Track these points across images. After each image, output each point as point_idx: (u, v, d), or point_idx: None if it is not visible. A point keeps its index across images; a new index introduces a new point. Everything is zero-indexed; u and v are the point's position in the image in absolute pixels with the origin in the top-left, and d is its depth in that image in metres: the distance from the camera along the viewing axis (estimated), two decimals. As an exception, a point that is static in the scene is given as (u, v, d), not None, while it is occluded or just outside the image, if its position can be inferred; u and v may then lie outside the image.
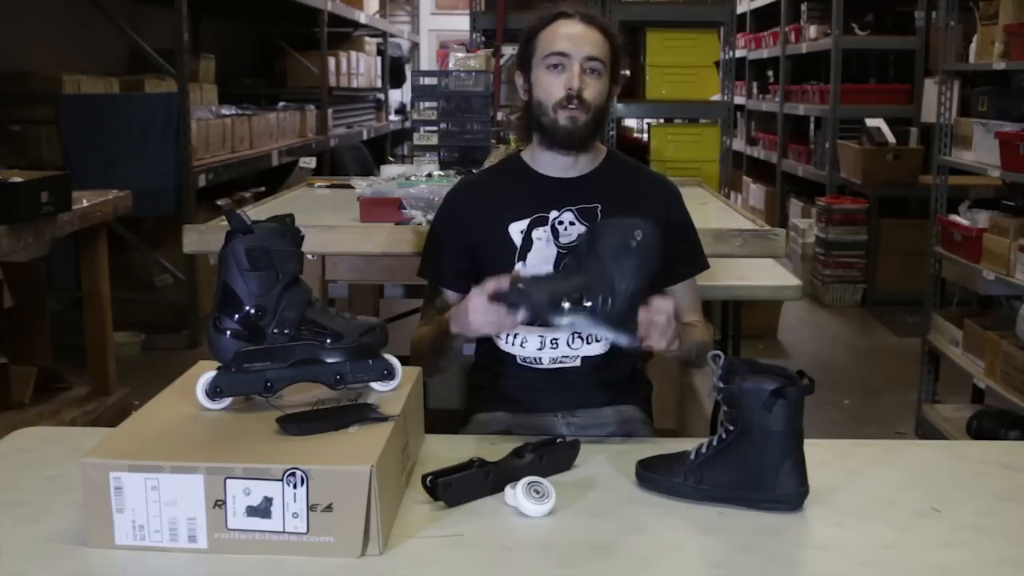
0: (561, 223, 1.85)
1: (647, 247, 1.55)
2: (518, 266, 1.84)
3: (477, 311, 1.61)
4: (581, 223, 1.85)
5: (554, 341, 1.86)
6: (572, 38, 1.80)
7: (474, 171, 2.65)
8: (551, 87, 1.81)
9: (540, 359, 1.87)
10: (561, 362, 1.87)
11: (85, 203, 3.30)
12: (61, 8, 5.14)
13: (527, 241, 1.86)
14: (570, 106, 1.79)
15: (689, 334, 1.79)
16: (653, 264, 1.57)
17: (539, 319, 1.56)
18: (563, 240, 1.85)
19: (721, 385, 1.38)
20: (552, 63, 1.80)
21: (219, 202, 5.33)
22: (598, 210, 1.86)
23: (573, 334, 1.86)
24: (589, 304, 1.52)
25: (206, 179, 4.99)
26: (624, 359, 1.94)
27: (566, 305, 1.52)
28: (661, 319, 1.57)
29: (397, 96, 9.88)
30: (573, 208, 1.86)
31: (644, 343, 1.58)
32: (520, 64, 1.88)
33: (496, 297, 1.56)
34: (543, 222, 1.86)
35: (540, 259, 1.85)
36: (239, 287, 1.42)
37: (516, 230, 1.86)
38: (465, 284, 1.92)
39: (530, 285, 1.56)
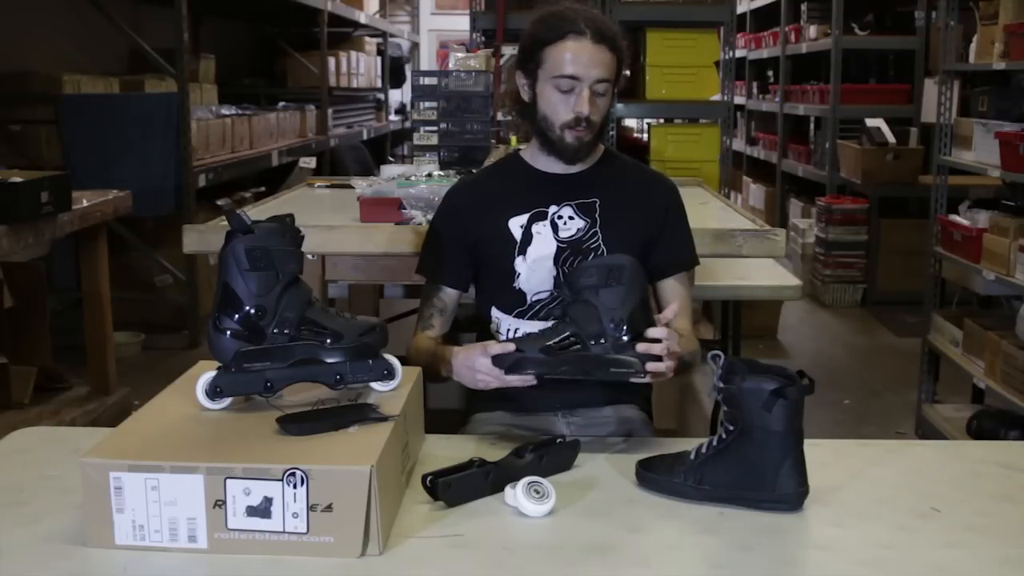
0: (560, 217, 1.87)
1: (629, 276, 1.56)
2: (516, 324, 1.82)
3: (482, 372, 1.63)
4: (580, 217, 1.87)
5: None
6: (583, 62, 1.77)
7: (474, 171, 2.65)
8: (559, 107, 1.80)
9: None
10: None
11: (85, 203, 3.30)
12: (61, 8, 5.14)
13: (527, 235, 1.87)
14: (577, 128, 1.80)
15: (682, 343, 1.74)
16: (638, 291, 1.57)
17: (543, 374, 1.57)
18: (562, 234, 1.86)
19: (721, 385, 1.38)
20: (561, 86, 1.79)
21: (219, 202, 5.33)
22: (596, 204, 1.88)
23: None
24: (583, 348, 1.54)
25: (206, 179, 4.99)
26: None
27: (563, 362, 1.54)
28: (657, 348, 1.55)
29: (397, 96, 9.88)
30: (572, 203, 1.88)
31: (648, 374, 1.57)
32: (523, 66, 1.85)
33: (498, 360, 1.58)
34: (543, 216, 1.87)
35: (540, 253, 1.86)
36: (239, 287, 1.42)
37: (516, 224, 1.88)
38: (465, 282, 1.93)
39: (524, 344, 1.57)
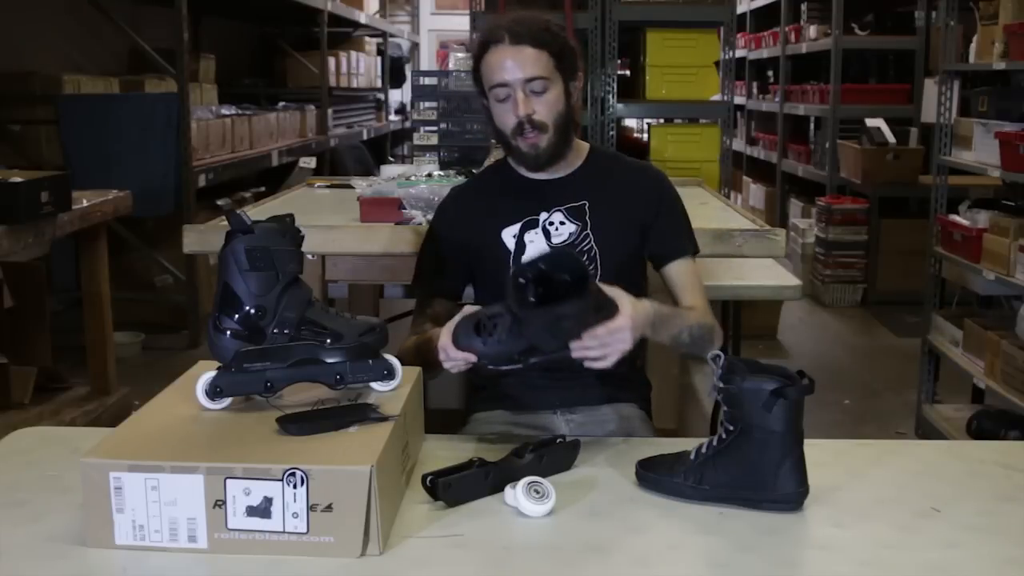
0: (551, 224, 1.88)
1: (574, 319, 1.49)
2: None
3: (445, 355, 1.56)
4: (571, 222, 1.88)
5: None
6: (506, 66, 1.79)
7: (465, 178, 2.65)
8: (504, 118, 1.83)
9: None
10: None
11: (85, 203, 3.30)
12: (61, 8, 5.13)
13: (520, 244, 1.88)
14: (525, 133, 1.81)
15: (681, 317, 1.77)
16: (582, 325, 1.51)
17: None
18: (555, 240, 1.87)
19: (721, 385, 1.38)
20: (497, 96, 1.82)
21: (219, 202, 5.33)
22: (586, 206, 1.89)
23: None
24: (534, 359, 1.50)
25: (206, 179, 4.99)
26: None
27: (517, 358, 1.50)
28: (591, 354, 1.53)
29: (397, 96, 9.88)
30: (561, 208, 1.89)
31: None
32: (477, 87, 1.88)
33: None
34: (534, 224, 1.88)
35: None
36: (239, 287, 1.42)
37: (509, 235, 1.89)
38: (458, 293, 1.95)
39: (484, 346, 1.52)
